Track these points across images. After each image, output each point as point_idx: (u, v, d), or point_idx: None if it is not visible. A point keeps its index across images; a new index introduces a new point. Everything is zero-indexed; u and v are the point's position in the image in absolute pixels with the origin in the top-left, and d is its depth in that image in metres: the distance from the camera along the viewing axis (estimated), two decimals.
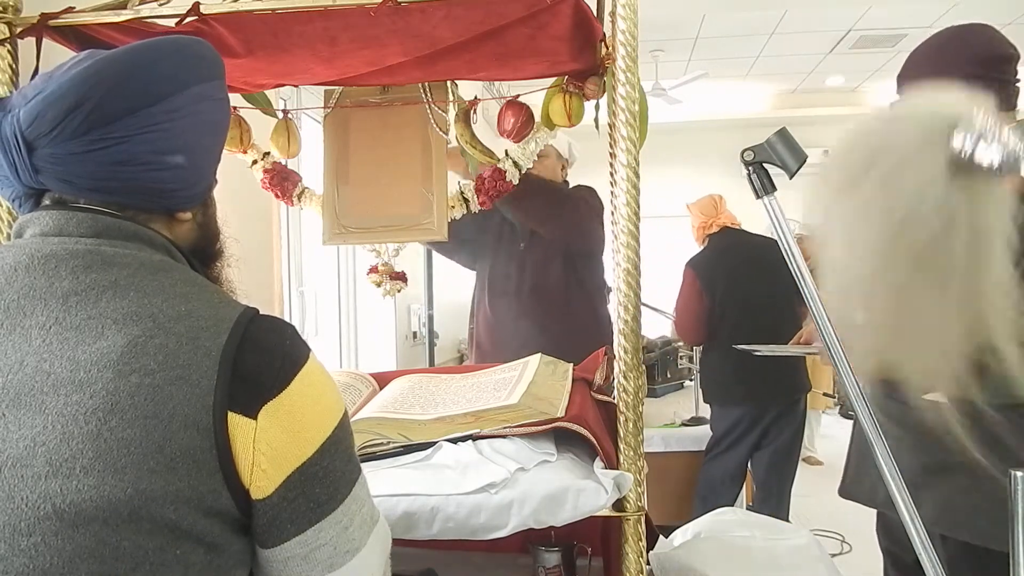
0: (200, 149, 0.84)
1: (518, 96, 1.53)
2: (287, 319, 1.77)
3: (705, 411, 3.24)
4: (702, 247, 3.24)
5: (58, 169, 0.76)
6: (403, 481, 1.07)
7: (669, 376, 3.95)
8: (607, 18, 1.15)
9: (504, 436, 1.16)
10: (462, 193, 1.61)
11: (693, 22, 5.73)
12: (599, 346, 1.56)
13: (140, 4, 1.17)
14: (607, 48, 1.19)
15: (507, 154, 1.57)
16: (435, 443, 1.16)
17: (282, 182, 1.69)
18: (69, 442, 0.65)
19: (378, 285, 1.77)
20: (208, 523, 0.69)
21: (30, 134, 0.74)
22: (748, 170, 1.23)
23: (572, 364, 1.52)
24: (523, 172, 1.59)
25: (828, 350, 1.26)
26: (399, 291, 1.81)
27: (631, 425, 1.12)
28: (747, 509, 2.97)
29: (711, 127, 8.07)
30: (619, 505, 1.10)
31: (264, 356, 0.73)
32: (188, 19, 1.14)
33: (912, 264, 1.10)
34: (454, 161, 1.67)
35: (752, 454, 3.11)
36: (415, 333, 4.52)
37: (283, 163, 1.71)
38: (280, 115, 1.66)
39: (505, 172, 1.57)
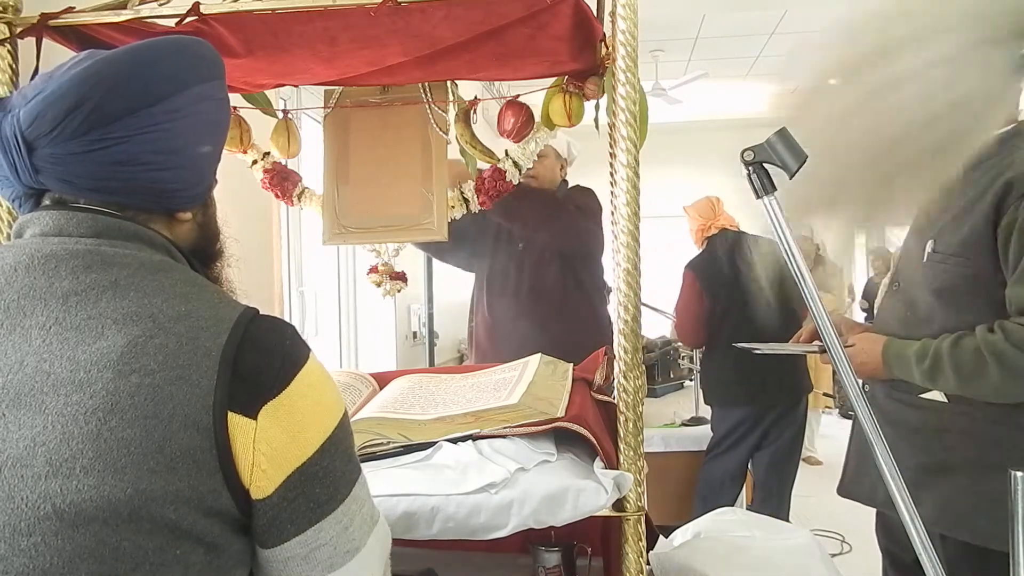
0: (200, 149, 0.84)
1: (518, 96, 1.53)
2: (287, 319, 1.77)
3: (705, 411, 3.23)
4: (701, 249, 3.23)
5: (58, 169, 0.76)
6: (403, 481, 1.07)
7: (669, 376, 3.95)
8: (607, 18, 1.15)
9: (504, 436, 1.16)
10: (462, 193, 1.61)
11: (693, 22, 5.73)
12: (598, 346, 1.56)
13: (140, 4, 1.17)
14: (607, 48, 1.19)
15: (507, 154, 1.57)
16: (435, 443, 1.16)
17: (282, 182, 1.69)
18: (69, 442, 0.65)
19: (378, 285, 1.78)
20: (208, 523, 0.69)
21: (30, 134, 0.74)
22: (748, 170, 1.23)
23: (572, 364, 1.52)
24: (522, 173, 1.59)
25: (828, 350, 1.27)
26: (399, 291, 1.81)
27: (631, 425, 1.12)
28: (747, 509, 2.97)
29: (711, 127, 8.07)
30: (619, 505, 1.10)
31: (264, 356, 0.73)
32: (188, 19, 1.14)
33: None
34: (457, 171, 1.68)
35: (752, 454, 3.11)
36: (415, 333, 4.53)
37: (283, 163, 1.71)
38: (280, 115, 1.66)
39: (505, 172, 1.57)
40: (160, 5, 1.16)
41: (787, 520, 3.06)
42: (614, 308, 1.13)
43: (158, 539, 0.66)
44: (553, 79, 1.40)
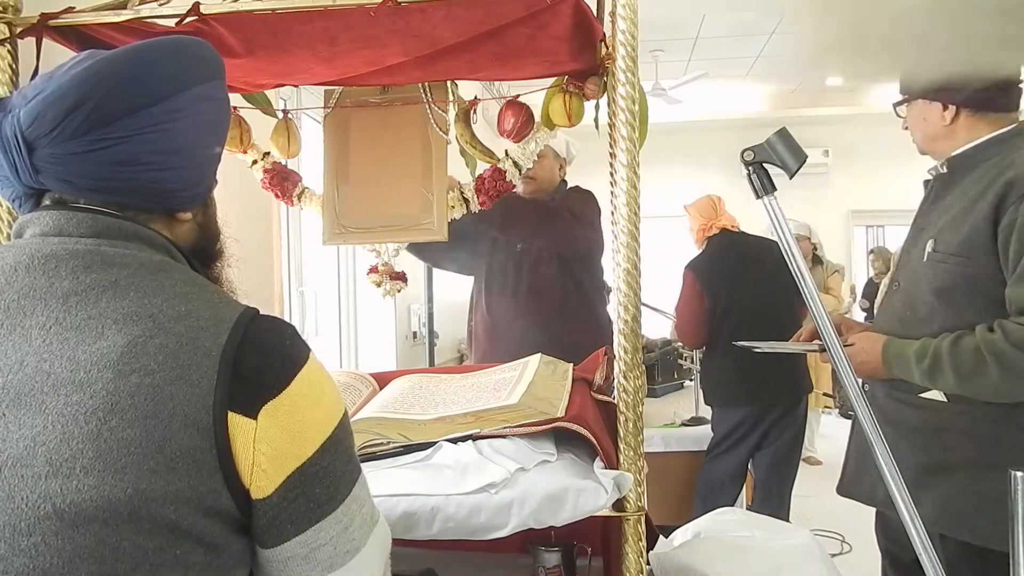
0: (201, 149, 0.84)
1: (518, 96, 1.53)
2: (287, 319, 1.77)
3: (705, 411, 3.23)
4: (701, 249, 3.23)
5: (58, 169, 0.76)
6: (403, 481, 1.07)
7: (669, 376, 3.95)
8: (607, 18, 1.15)
9: (504, 436, 1.16)
10: (462, 193, 1.61)
11: (693, 22, 5.73)
12: (597, 346, 1.56)
13: (140, 4, 1.17)
14: (607, 48, 1.19)
15: (507, 154, 1.57)
16: (435, 443, 1.16)
17: (282, 182, 1.69)
18: (69, 442, 0.65)
19: (378, 285, 1.77)
20: (208, 523, 0.69)
21: (30, 134, 0.74)
22: (748, 170, 1.23)
23: (572, 364, 1.52)
24: (522, 173, 1.59)
25: (828, 349, 1.27)
26: (399, 291, 1.81)
27: (631, 425, 1.12)
28: (747, 509, 2.97)
29: (711, 127, 8.08)
30: (619, 505, 1.10)
31: (264, 356, 0.73)
32: (188, 19, 1.14)
33: None
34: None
35: (753, 454, 3.11)
36: (415, 333, 4.53)
37: (283, 163, 1.71)
38: (280, 115, 1.66)
39: (505, 172, 1.57)
40: (160, 5, 1.16)
41: (787, 520, 3.06)
42: (614, 308, 1.13)
43: (158, 539, 0.66)
44: (553, 79, 1.40)
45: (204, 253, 0.89)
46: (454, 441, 1.16)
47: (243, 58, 1.22)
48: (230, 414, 0.70)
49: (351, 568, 0.78)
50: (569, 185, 2.63)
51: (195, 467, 0.68)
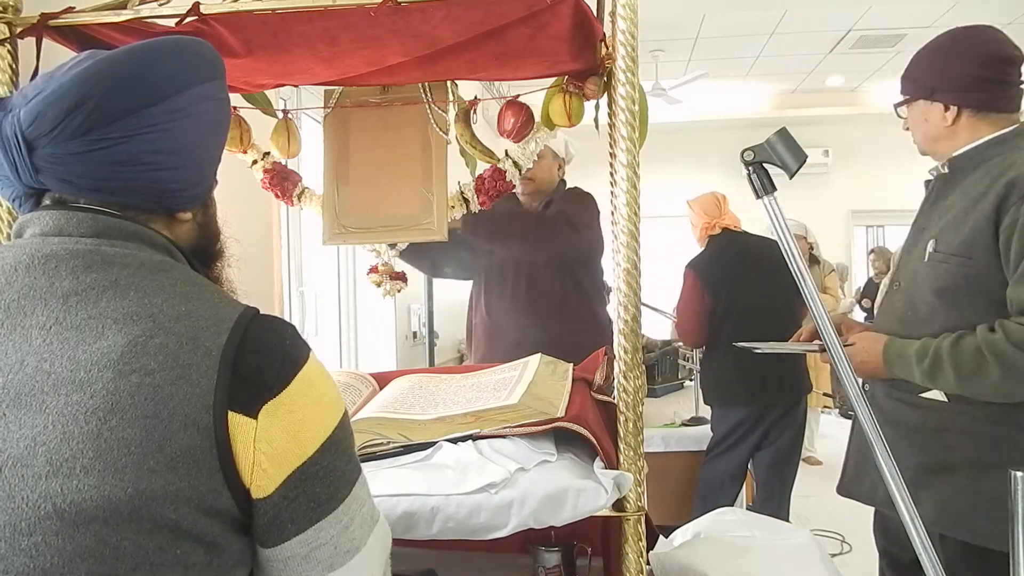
0: (200, 149, 0.84)
1: (518, 96, 1.53)
2: (287, 319, 1.77)
3: (705, 411, 3.23)
4: (702, 248, 3.22)
5: (58, 169, 0.76)
6: (403, 481, 1.07)
7: (669, 376, 3.95)
8: (607, 18, 1.15)
9: (504, 436, 1.16)
10: (462, 193, 1.61)
11: (693, 22, 5.73)
12: (596, 346, 1.56)
13: (140, 4, 1.17)
14: (607, 48, 1.19)
15: (507, 154, 1.57)
16: (435, 443, 1.16)
17: (282, 182, 1.69)
18: (69, 442, 0.65)
19: (378, 285, 1.78)
20: (208, 523, 0.69)
21: (30, 134, 0.74)
22: (748, 170, 1.23)
23: (572, 364, 1.52)
24: (522, 174, 1.58)
25: (828, 349, 1.27)
26: (399, 291, 1.81)
27: (631, 425, 1.12)
28: (747, 509, 2.97)
29: (711, 127, 8.08)
30: (619, 505, 1.10)
31: (264, 356, 0.73)
32: (188, 19, 1.14)
33: None
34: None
35: (753, 454, 3.11)
36: (415, 333, 4.53)
37: (283, 163, 1.72)
38: (280, 115, 1.66)
39: (505, 172, 1.57)
40: (160, 5, 1.16)
41: (787, 520, 3.06)
42: (614, 308, 1.13)
43: (158, 539, 0.66)
44: (553, 79, 1.40)
45: (204, 253, 0.89)
46: (454, 441, 1.16)
47: (243, 58, 1.22)
48: (230, 414, 0.70)
49: (351, 568, 0.78)
50: (568, 185, 2.62)
51: (195, 467, 0.68)
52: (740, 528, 1.47)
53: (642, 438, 1.13)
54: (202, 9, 1.14)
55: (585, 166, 3.04)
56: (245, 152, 1.66)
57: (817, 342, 1.70)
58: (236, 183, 1.54)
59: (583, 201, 2.47)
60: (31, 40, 1.18)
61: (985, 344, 1.41)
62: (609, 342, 1.19)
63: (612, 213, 1.13)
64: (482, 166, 1.62)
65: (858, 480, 1.71)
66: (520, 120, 1.50)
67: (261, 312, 0.77)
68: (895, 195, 7.71)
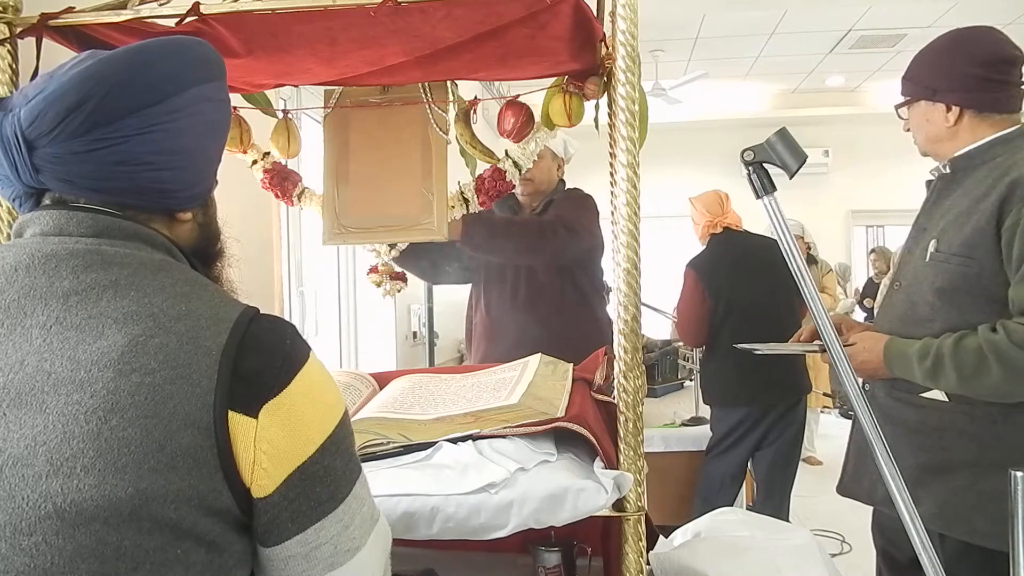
0: (200, 150, 0.84)
1: (518, 96, 1.53)
2: (287, 319, 1.77)
3: (705, 411, 3.23)
4: (703, 247, 3.22)
5: (58, 169, 0.76)
6: (403, 481, 1.07)
7: (669, 376, 3.95)
8: (607, 18, 1.15)
9: (504, 436, 1.16)
10: (462, 193, 1.61)
11: (693, 22, 5.73)
12: (597, 347, 1.56)
13: (140, 4, 1.17)
14: (607, 48, 1.19)
15: (507, 154, 1.57)
16: (435, 443, 1.16)
17: (282, 182, 1.69)
18: (70, 441, 0.65)
19: (378, 285, 1.78)
20: (209, 522, 0.69)
21: (31, 133, 0.74)
22: (748, 170, 1.23)
23: (572, 364, 1.52)
24: (521, 174, 1.58)
25: (828, 349, 1.27)
26: (399, 291, 1.82)
27: (631, 425, 1.12)
28: (747, 509, 2.97)
29: (711, 127, 8.08)
30: (619, 505, 1.10)
31: (264, 355, 0.73)
32: (188, 19, 1.13)
33: None
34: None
35: (752, 454, 3.11)
36: (415, 333, 4.53)
37: (283, 163, 1.72)
38: (280, 115, 1.66)
39: (505, 172, 1.57)
40: (160, 5, 1.16)
41: (787, 520, 3.05)
42: (614, 308, 1.13)
43: (159, 538, 0.66)
44: (553, 79, 1.40)
45: (205, 253, 0.90)
46: (454, 441, 1.16)
47: (243, 58, 1.22)
48: (231, 413, 0.70)
49: (352, 567, 0.78)
50: (568, 185, 2.62)
51: (196, 466, 0.68)
52: (740, 528, 1.47)
53: (642, 438, 1.13)
54: (202, 9, 1.14)
55: (585, 166, 3.04)
56: (245, 152, 1.66)
57: (817, 342, 1.70)
58: (236, 183, 1.54)
59: (582, 203, 2.46)
60: (31, 40, 1.18)
61: (987, 344, 1.41)
62: (609, 342, 1.19)
63: (612, 213, 1.13)
64: (482, 166, 1.62)
65: (857, 479, 1.71)
66: (520, 120, 1.50)
67: (261, 312, 0.77)
68: (895, 195, 7.71)
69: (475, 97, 1.60)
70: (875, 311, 2.01)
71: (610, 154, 1.14)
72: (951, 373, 1.44)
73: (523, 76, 1.36)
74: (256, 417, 0.71)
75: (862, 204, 8.43)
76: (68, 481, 0.64)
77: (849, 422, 1.89)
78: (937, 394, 1.53)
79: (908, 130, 1.70)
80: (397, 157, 1.60)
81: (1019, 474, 1.04)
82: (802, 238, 5.08)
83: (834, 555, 3.45)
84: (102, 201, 0.78)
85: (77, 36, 1.19)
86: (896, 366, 1.55)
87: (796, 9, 5.46)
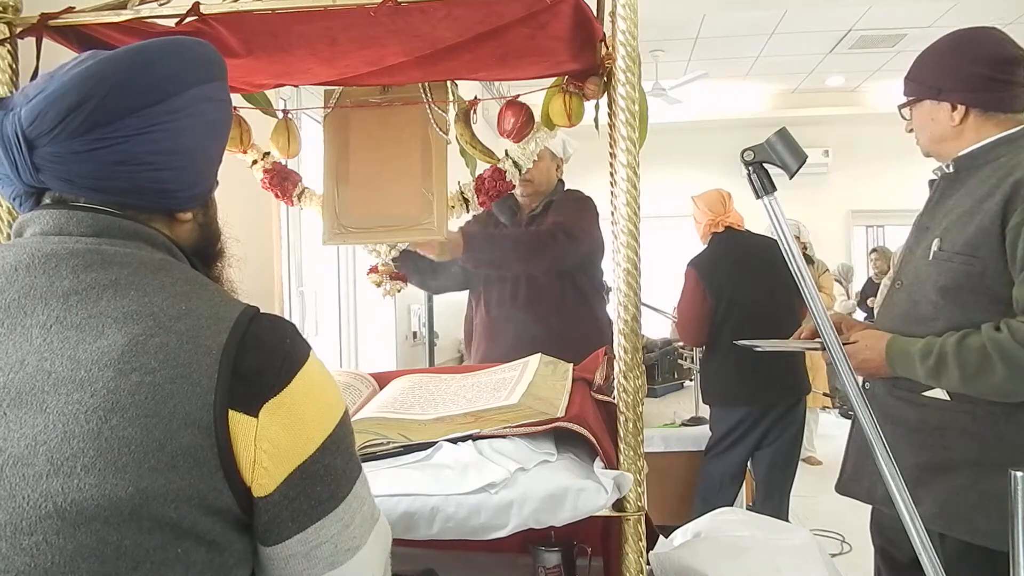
0: (201, 150, 0.84)
1: (518, 96, 1.53)
2: (287, 319, 1.77)
3: (705, 411, 3.23)
4: (704, 246, 3.22)
5: (59, 168, 0.76)
6: (403, 481, 1.07)
7: (669, 376, 3.95)
8: (607, 18, 1.15)
9: (504, 436, 1.16)
10: (462, 193, 1.61)
11: (693, 22, 5.74)
12: (596, 347, 1.56)
13: (140, 4, 1.17)
14: (607, 48, 1.19)
15: (507, 154, 1.57)
16: (435, 443, 1.16)
17: (282, 182, 1.69)
18: (70, 441, 0.65)
19: (378, 285, 1.78)
20: (209, 521, 0.69)
21: (31, 132, 0.74)
22: (748, 170, 1.23)
23: (572, 364, 1.52)
24: (521, 174, 1.58)
25: (828, 348, 1.27)
26: (399, 291, 1.82)
27: (631, 425, 1.12)
28: (747, 509, 2.97)
29: (711, 127, 8.08)
30: (619, 505, 1.10)
31: (265, 355, 0.73)
32: (188, 19, 1.14)
33: None
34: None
35: (752, 454, 3.11)
36: (415, 333, 4.53)
37: (283, 163, 1.72)
38: (280, 115, 1.66)
39: (505, 172, 1.57)
40: (160, 5, 1.16)
41: (787, 520, 3.05)
42: (614, 308, 1.13)
43: (159, 538, 0.66)
44: (553, 79, 1.40)
45: (205, 253, 0.90)
46: (454, 441, 1.16)
47: (243, 58, 1.22)
48: (231, 412, 0.70)
49: (352, 566, 0.78)
50: (567, 185, 2.62)
51: (196, 465, 0.68)
52: (740, 528, 1.47)
53: (642, 438, 1.13)
54: (202, 9, 1.14)
55: (585, 166, 3.04)
56: (245, 152, 1.66)
57: (818, 340, 1.70)
58: (236, 183, 1.54)
59: (581, 205, 2.46)
60: (31, 40, 1.18)
61: (991, 343, 1.41)
62: (609, 342, 1.19)
63: (612, 213, 1.13)
64: (482, 166, 1.62)
65: (857, 478, 1.71)
66: (520, 120, 1.50)
67: (262, 311, 0.77)
68: (895, 195, 7.71)
69: (475, 97, 1.60)
70: (875, 311, 2.00)
71: (610, 154, 1.14)
72: (954, 372, 1.44)
73: (523, 76, 1.36)
74: (256, 416, 0.71)
75: (862, 204, 8.44)
76: (68, 480, 0.64)
77: (849, 422, 1.89)
78: (939, 393, 1.53)
79: (911, 130, 1.70)
80: (397, 157, 1.60)
81: (1019, 474, 1.04)
82: (798, 238, 5.08)
83: (834, 555, 3.45)
84: (102, 201, 0.78)
85: (77, 36, 1.19)
86: (898, 364, 1.54)
87: (796, 9, 5.46)
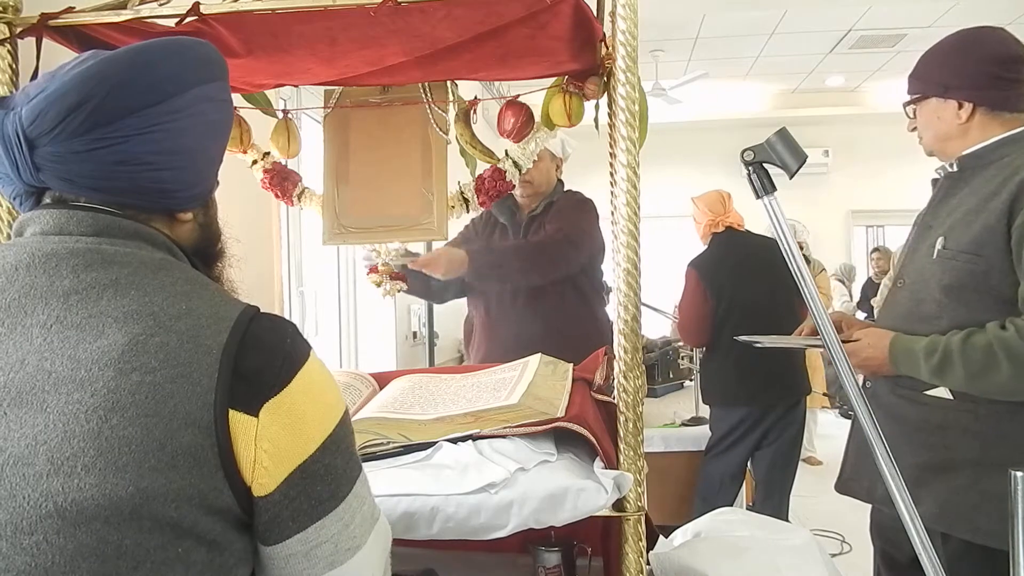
0: (201, 150, 0.84)
1: (518, 96, 1.53)
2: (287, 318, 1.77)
3: (705, 411, 3.23)
4: (705, 246, 3.22)
5: (59, 168, 0.76)
6: (403, 481, 1.07)
7: (669, 376, 3.95)
8: (607, 18, 1.15)
9: (504, 436, 1.16)
10: (462, 193, 1.61)
11: (693, 22, 5.74)
12: (596, 347, 1.55)
13: (140, 4, 1.17)
14: (607, 48, 1.19)
15: (507, 154, 1.57)
16: (435, 443, 1.16)
17: (282, 182, 1.69)
18: (70, 440, 0.65)
19: (378, 285, 1.78)
20: (210, 521, 0.69)
21: (32, 132, 0.74)
22: (748, 170, 1.23)
23: (572, 364, 1.52)
24: (521, 174, 1.58)
25: (828, 348, 1.27)
26: (399, 291, 1.82)
27: (631, 425, 1.12)
28: (747, 509, 2.97)
29: (711, 127, 8.09)
30: (619, 505, 1.10)
31: (265, 354, 0.73)
32: (188, 19, 1.14)
33: None
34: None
35: (752, 454, 3.11)
36: (415, 333, 4.53)
37: (283, 163, 1.72)
38: (280, 115, 1.66)
39: (505, 172, 1.57)
40: (160, 5, 1.16)
41: (787, 520, 3.05)
42: (614, 308, 1.13)
43: (160, 537, 0.66)
44: (553, 79, 1.40)
45: (206, 253, 0.90)
46: (454, 441, 1.16)
47: (243, 58, 1.22)
48: (231, 412, 0.70)
49: (352, 565, 0.78)
50: (567, 185, 2.61)
51: (196, 465, 0.68)
52: (740, 528, 1.47)
53: (642, 438, 1.13)
54: (202, 9, 1.14)
55: (585, 166, 3.04)
56: (245, 152, 1.66)
57: (819, 338, 1.70)
58: (236, 183, 1.54)
59: (581, 208, 2.46)
60: (31, 40, 1.18)
61: (997, 341, 1.40)
62: (609, 342, 1.19)
63: (612, 213, 1.13)
64: (482, 166, 1.62)
65: (857, 478, 1.71)
66: (520, 120, 1.50)
67: (262, 311, 0.77)
68: (895, 195, 7.72)
69: (475, 97, 1.60)
70: (874, 310, 2.00)
71: (610, 154, 1.14)
72: (959, 370, 1.44)
73: (523, 76, 1.36)
74: (257, 416, 0.71)
75: (862, 204, 8.44)
76: (69, 480, 0.64)
77: (849, 422, 1.89)
78: (942, 392, 1.52)
79: (913, 129, 1.70)
80: (397, 157, 1.60)
81: (1019, 474, 1.04)
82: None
83: (834, 555, 3.45)
84: (102, 200, 0.78)
85: (77, 36, 1.19)
86: (902, 363, 1.54)
87: (796, 9, 5.46)
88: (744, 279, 3.03)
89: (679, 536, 1.52)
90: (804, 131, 6.92)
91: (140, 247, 0.77)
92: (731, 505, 2.93)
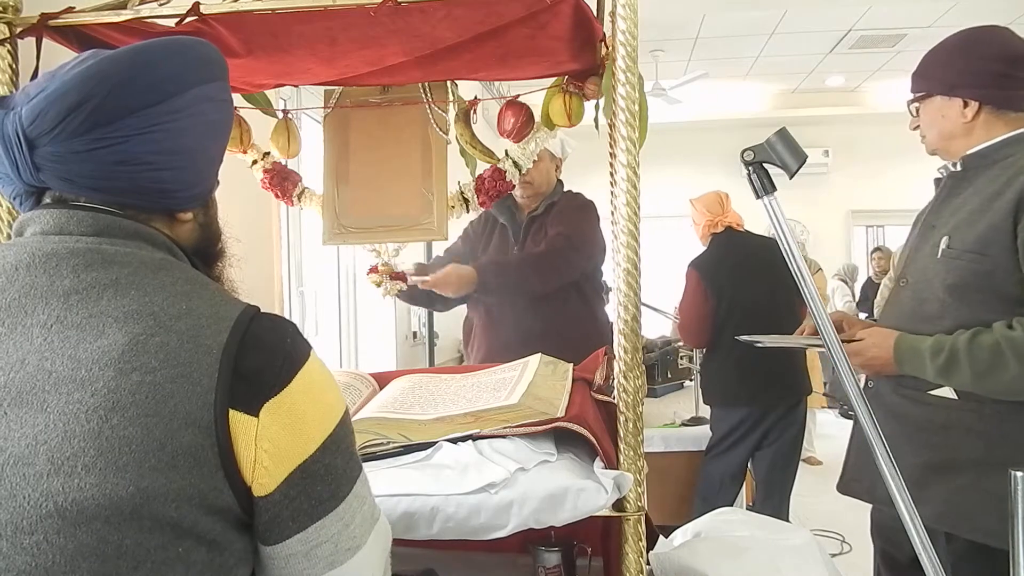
0: (201, 150, 0.84)
1: (518, 96, 1.53)
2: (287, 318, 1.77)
3: (705, 411, 3.23)
4: (705, 247, 3.22)
5: (59, 167, 0.76)
6: (403, 481, 1.07)
7: (669, 376, 3.95)
8: (607, 18, 1.15)
9: (504, 436, 1.16)
10: (462, 193, 1.61)
11: (693, 22, 5.74)
12: (596, 347, 1.55)
13: (140, 4, 1.17)
14: (607, 48, 1.19)
15: (507, 154, 1.57)
16: (435, 443, 1.16)
17: (282, 182, 1.69)
18: (71, 440, 0.65)
19: (378, 285, 1.78)
20: (210, 521, 0.69)
21: (32, 132, 0.74)
22: (748, 170, 1.23)
23: (571, 364, 1.52)
24: (521, 174, 1.58)
25: (828, 348, 1.27)
26: (399, 291, 1.82)
27: (631, 425, 1.12)
28: (747, 509, 2.97)
29: (711, 127, 8.09)
30: (619, 505, 1.10)
31: (265, 354, 0.73)
32: (188, 19, 1.14)
33: None
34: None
35: (753, 454, 3.11)
36: (415, 333, 4.53)
37: (283, 163, 1.72)
38: (280, 115, 1.67)
39: (505, 172, 1.57)
40: (160, 5, 1.16)
41: (787, 520, 3.05)
42: (614, 308, 1.13)
43: (160, 537, 0.66)
44: (553, 79, 1.40)
45: (206, 253, 0.90)
46: (454, 441, 1.16)
47: (243, 58, 1.22)
48: (231, 412, 0.70)
49: (352, 565, 0.78)
50: (567, 185, 2.61)
51: (196, 465, 0.68)
52: (740, 528, 1.47)
53: (642, 438, 1.13)
54: (202, 9, 1.14)
55: (585, 166, 3.04)
56: (245, 152, 1.66)
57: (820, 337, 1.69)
58: (236, 183, 1.54)
59: (582, 211, 2.46)
60: (31, 40, 1.18)
61: (1004, 340, 1.40)
62: (609, 342, 1.19)
63: (612, 213, 1.13)
64: (482, 166, 1.62)
65: (858, 477, 1.71)
66: (520, 120, 1.50)
67: (262, 311, 0.77)
68: (895, 195, 7.72)
69: (475, 97, 1.60)
70: (875, 310, 2.00)
71: (610, 154, 1.14)
72: (966, 370, 1.43)
73: (523, 76, 1.36)
74: (257, 416, 0.71)
75: (862, 204, 8.44)
76: (69, 480, 0.64)
77: (849, 422, 1.89)
78: (946, 391, 1.52)
79: (915, 127, 1.69)
80: (397, 157, 1.60)
81: (1020, 474, 1.04)
82: None
83: (834, 555, 3.45)
84: (103, 200, 0.78)
85: (77, 36, 1.19)
86: (907, 362, 1.53)
87: (796, 9, 5.46)
88: (744, 279, 3.03)
89: (679, 536, 1.52)
90: (804, 131, 6.92)
91: (140, 247, 0.77)
92: (731, 505, 2.93)
